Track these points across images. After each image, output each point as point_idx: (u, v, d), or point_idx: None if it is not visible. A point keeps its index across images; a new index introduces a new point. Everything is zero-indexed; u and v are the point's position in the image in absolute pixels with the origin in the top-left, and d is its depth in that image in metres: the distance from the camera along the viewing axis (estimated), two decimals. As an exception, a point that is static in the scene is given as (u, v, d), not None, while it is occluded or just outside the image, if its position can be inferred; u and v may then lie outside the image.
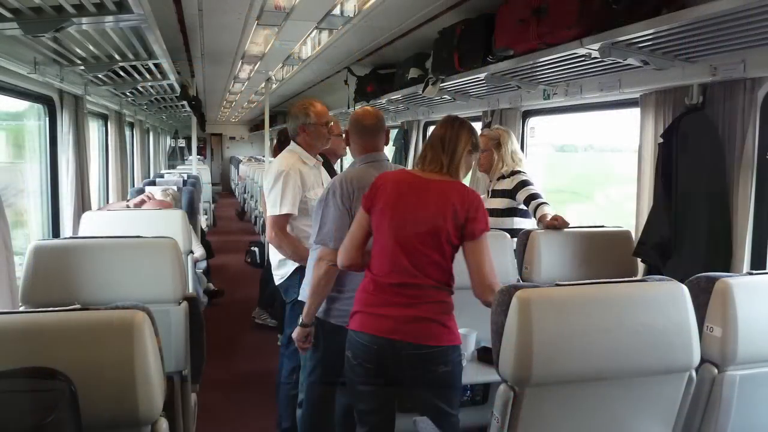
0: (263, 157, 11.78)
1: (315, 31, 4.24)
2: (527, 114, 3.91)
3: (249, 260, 7.28)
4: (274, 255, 2.76)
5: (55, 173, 3.85)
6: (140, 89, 4.85)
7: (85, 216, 3.13)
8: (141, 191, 5.02)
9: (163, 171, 9.91)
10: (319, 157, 2.84)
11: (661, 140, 2.50)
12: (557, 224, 2.60)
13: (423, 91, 3.96)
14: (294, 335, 2.24)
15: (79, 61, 3.35)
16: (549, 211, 2.73)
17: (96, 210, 3.99)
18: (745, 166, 2.27)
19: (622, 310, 1.55)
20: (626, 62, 2.40)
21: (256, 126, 17.39)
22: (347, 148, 2.47)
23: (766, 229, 2.33)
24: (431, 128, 4.35)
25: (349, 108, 6.00)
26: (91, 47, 3.10)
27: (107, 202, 5.43)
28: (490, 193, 3.14)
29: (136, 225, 2.84)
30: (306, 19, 3.86)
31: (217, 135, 19.48)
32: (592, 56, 2.43)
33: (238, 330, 4.87)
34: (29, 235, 4.08)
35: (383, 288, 1.90)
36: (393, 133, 5.84)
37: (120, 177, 5.62)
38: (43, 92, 3.60)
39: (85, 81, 3.90)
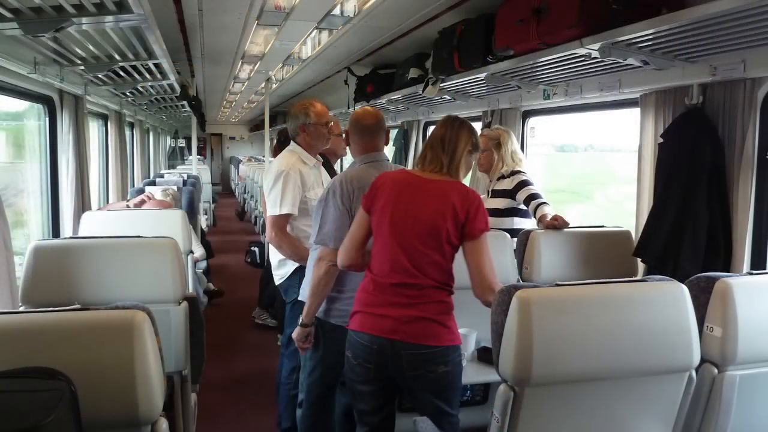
0: (263, 157, 11.79)
1: (315, 31, 4.24)
2: (527, 114, 3.91)
3: (249, 260, 7.28)
4: (274, 255, 2.76)
5: (55, 173, 3.85)
6: (140, 89, 4.85)
7: (85, 216, 3.13)
8: (141, 191, 5.01)
9: (163, 171, 9.91)
10: (319, 157, 2.84)
11: (661, 140, 2.50)
12: (557, 224, 2.60)
13: (423, 91, 3.96)
14: (294, 335, 2.24)
15: (79, 61, 3.35)
16: (549, 211, 2.73)
17: (96, 210, 3.99)
18: (745, 166, 2.28)
19: (622, 310, 1.55)
20: (626, 62, 2.40)
21: (256, 126, 17.40)
22: (347, 148, 2.47)
23: (766, 229, 2.33)
24: (431, 128, 4.35)
25: (349, 108, 6.00)
26: (91, 47, 3.10)
27: (107, 202, 5.43)
28: (490, 193, 3.14)
29: (136, 225, 2.84)
30: (306, 19, 3.86)
31: (217, 135, 19.48)
32: (592, 56, 2.43)
33: (238, 330, 4.87)
34: (29, 235, 4.08)
35: (383, 288, 1.90)
36: (393, 133, 5.84)
37: (120, 177, 5.62)
38: (43, 92, 3.60)
39: (85, 81, 3.90)
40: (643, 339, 1.53)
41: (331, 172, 3.15)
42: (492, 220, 2.10)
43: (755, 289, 1.67)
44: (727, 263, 2.33)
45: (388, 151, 4.75)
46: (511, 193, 3.02)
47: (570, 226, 2.63)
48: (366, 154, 2.26)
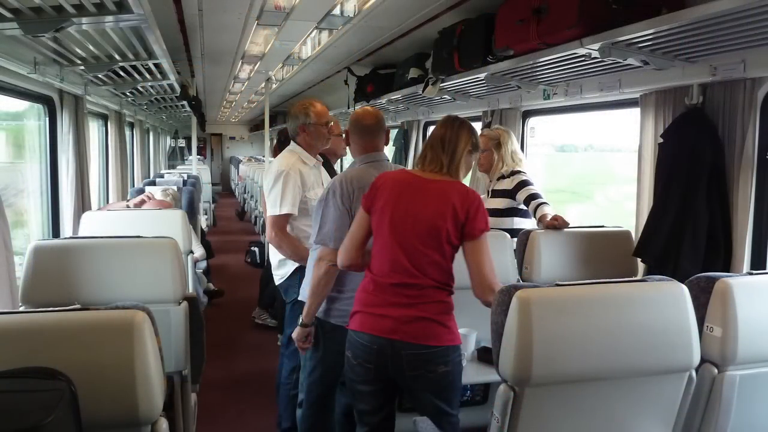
0: (263, 157, 11.79)
1: (315, 31, 4.24)
2: (527, 114, 3.91)
3: (249, 260, 7.28)
4: (274, 255, 2.76)
5: (55, 173, 3.85)
6: (140, 89, 4.85)
7: (85, 216, 3.13)
8: (141, 191, 5.01)
9: (163, 171, 9.91)
10: (319, 157, 2.84)
11: (661, 140, 2.50)
12: (557, 224, 2.60)
13: (423, 91, 3.96)
14: (294, 335, 2.24)
15: (79, 61, 3.35)
16: (549, 211, 2.73)
17: (96, 210, 3.99)
18: (745, 166, 2.28)
19: (622, 310, 1.55)
20: (626, 62, 2.40)
21: (256, 126, 17.40)
22: (347, 148, 2.47)
23: (766, 229, 2.33)
24: (431, 128, 4.35)
25: (349, 108, 6.00)
26: (91, 47, 3.10)
27: (107, 202, 5.43)
28: (490, 193, 3.14)
29: (136, 225, 2.84)
30: (306, 19, 3.86)
31: (217, 135, 19.47)
32: (592, 56, 2.43)
33: (238, 330, 4.87)
34: (29, 235, 4.08)
35: (383, 288, 1.90)
36: (393, 133, 5.84)
37: (120, 177, 5.62)
38: (43, 92, 3.60)
39: (85, 81, 3.90)
40: (643, 339, 1.53)
41: (331, 172, 3.15)
42: (492, 220, 2.10)
43: (755, 289, 1.67)
44: (727, 263, 2.33)
45: (388, 151, 4.75)
46: (511, 193, 3.02)
47: (570, 226, 2.63)
48: (366, 154, 2.26)
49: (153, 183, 5.94)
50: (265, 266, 4.68)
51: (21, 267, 2.21)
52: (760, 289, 1.68)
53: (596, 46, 2.31)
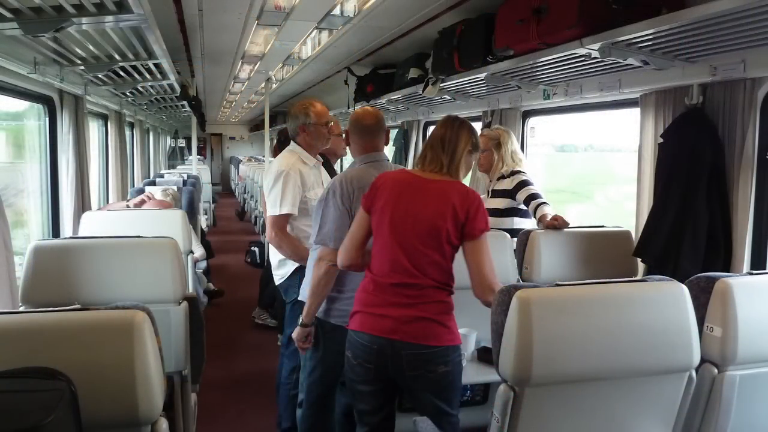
0: (263, 157, 11.80)
1: (315, 31, 4.25)
2: (527, 114, 3.91)
3: (249, 260, 7.28)
4: (274, 255, 2.76)
5: (55, 173, 3.85)
6: (140, 89, 4.85)
7: (85, 216, 3.13)
8: (141, 191, 5.02)
9: (163, 171, 9.91)
10: (319, 157, 2.84)
11: (661, 140, 2.50)
12: (557, 224, 2.60)
13: (423, 91, 3.96)
14: (294, 335, 2.24)
15: (79, 61, 3.35)
16: (549, 211, 2.73)
17: (96, 210, 3.99)
18: (745, 166, 2.28)
19: (622, 310, 1.55)
20: (626, 62, 2.40)
21: (256, 126, 17.40)
22: (347, 148, 2.47)
23: (766, 229, 2.33)
24: (431, 128, 4.35)
25: (349, 108, 6.00)
26: (91, 47, 3.10)
27: (107, 202, 5.43)
28: (490, 193, 3.14)
29: (136, 225, 2.84)
30: (306, 19, 3.86)
31: (217, 135, 19.48)
32: (592, 56, 2.43)
33: (238, 330, 4.87)
34: (29, 235, 4.08)
35: (383, 288, 1.90)
36: (393, 133, 5.84)
37: (120, 177, 5.62)
38: (43, 92, 3.60)
39: (85, 81, 3.90)
40: (643, 339, 1.53)
41: (331, 172, 3.15)
42: (492, 220, 2.10)
43: (755, 289, 1.67)
44: (727, 263, 2.33)
45: (388, 151, 4.75)
46: (511, 193, 3.02)
47: (570, 226, 2.63)
48: (366, 154, 2.26)
49: (153, 183, 5.94)
50: (265, 266, 4.68)
51: (21, 267, 2.21)
52: (760, 289, 1.68)
53: (596, 46, 2.31)
